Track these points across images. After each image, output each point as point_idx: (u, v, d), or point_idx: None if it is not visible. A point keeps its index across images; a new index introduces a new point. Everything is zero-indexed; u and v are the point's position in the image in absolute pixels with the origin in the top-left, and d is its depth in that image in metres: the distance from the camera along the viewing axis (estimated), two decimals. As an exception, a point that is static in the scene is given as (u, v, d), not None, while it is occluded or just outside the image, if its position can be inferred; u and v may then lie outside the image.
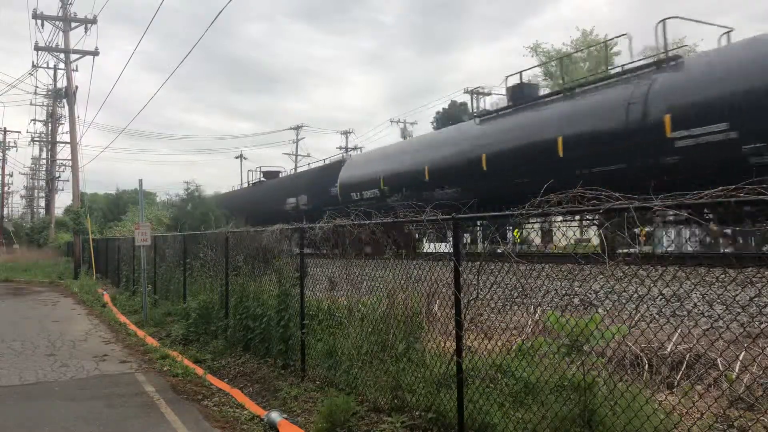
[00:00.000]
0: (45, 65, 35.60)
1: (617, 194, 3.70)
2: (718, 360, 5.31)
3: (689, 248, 13.71)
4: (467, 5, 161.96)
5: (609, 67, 36.04)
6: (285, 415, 5.81)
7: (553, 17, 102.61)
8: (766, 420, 4.48)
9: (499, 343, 5.15)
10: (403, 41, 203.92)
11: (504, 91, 19.36)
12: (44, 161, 56.46)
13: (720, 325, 6.09)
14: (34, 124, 52.23)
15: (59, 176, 48.02)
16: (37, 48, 29.77)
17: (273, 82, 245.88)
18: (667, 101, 13.13)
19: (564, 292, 7.50)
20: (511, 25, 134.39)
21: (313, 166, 33.03)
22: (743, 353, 4.98)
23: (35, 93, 45.51)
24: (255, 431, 5.76)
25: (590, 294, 7.49)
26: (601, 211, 3.65)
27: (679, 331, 5.46)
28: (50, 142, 47.40)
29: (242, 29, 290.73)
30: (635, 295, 5.63)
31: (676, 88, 13.19)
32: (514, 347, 5.43)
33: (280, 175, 38.20)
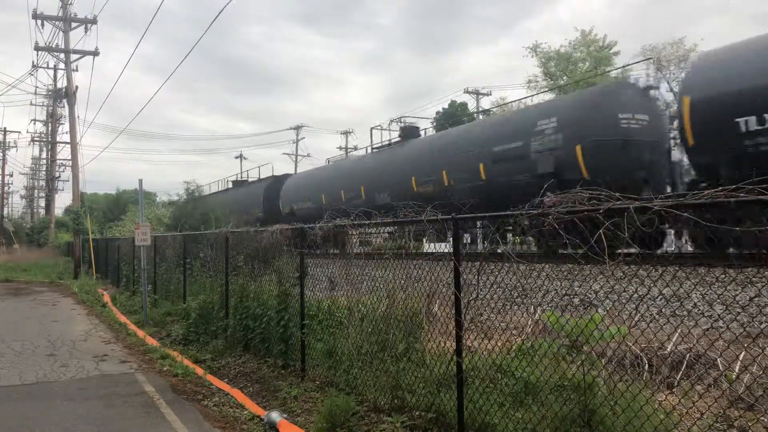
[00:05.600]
0: (45, 65, 35.72)
1: (617, 194, 3.70)
2: (718, 360, 5.31)
3: (689, 248, 13.72)
4: (464, 8, 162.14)
5: (608, 68, 36.08)
6: (285, 415, 5.81)
7: (549, 19, 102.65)
8: (766, 420, 4.48)
9: (499, 343, 5.15)
10: (402, 43, 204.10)
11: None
12: (44, 161, 56.47)
13: (720, 325, 6.09)
14: (34, 124, 52.28)
15: (59, 176, 48.06)
16: (37, 48, 29.79)
17: (272, 84, 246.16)
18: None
19: (564, 292, 7.49)
20: (507, 28, 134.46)
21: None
22: (743, 353, 4.98)
23: (35, 93, 45.57)
24: (255, 431, 5.76)
25: (590, 294, 7.48)
26: (601, 211, 3.65)
27: (679, 331, 5.46)
28: (50, 142, 47.41)
29: (242, 31, 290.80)
30: (635, 295, 5.63)
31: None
32: (514, 347, 5.44)
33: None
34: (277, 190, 34.19)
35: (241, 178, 45.36)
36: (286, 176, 37.17)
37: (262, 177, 38.67)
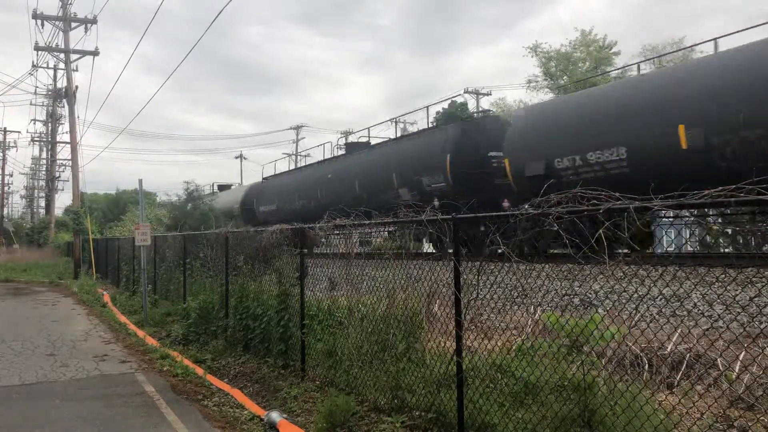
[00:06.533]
0: (45, 65, 35.67)
1: (617, 194, 3.70)
2: (718, 360, 5.31)
3: (689, 248, 13.70)
4: (464, 8, 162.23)
5: (608, 69, 36.09)
6: (285, 415, 5.81)
7: (550, 19, 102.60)
8: (766, 420, 4.48)
9: (499, 343, 5.15)
10: (401, 44, 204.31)
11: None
12: (44, 161, 56.43)
13: (720, 325, 6.09)
14: (34, 124, 52.16)
15: (59, 176, 48.04)
16: (37, 48, 29.79)
17: (272, 84, 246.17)
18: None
19: (564, 292, 7.49)
20: (507, 28, 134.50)
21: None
22: (743, 353, 4.98)
23: (35, 93, 45.46)
24: (255, 431, 5.76)
25: (590, 294, 7.49)
26: (601, 211, 3.65)
27: (679, 331, 5.46)
28: (50, 142, 47.40)
29: (242, 32, 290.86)
30: (635, 295, 5.63)
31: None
32: (514, 347, 5.43)
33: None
34: (481, 139, 17.74)
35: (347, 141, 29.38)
36: (493, 117, 20.17)
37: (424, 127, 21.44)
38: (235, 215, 32.70)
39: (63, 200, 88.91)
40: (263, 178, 34.62)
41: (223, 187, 43.51)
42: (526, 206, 4.26)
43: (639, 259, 4.11)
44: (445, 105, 22.99)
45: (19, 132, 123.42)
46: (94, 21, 28.38)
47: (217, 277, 10.70)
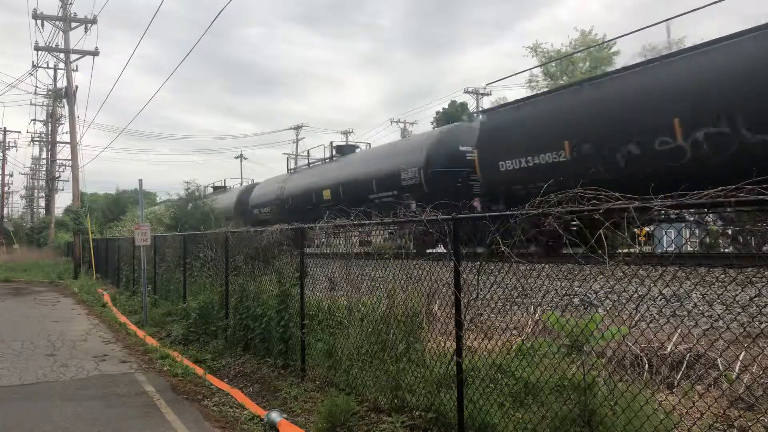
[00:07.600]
0: (45, 65, 35.68)
1: (617, 194, 3.70)
2: (718, 360, 5.31)
3: (689, 248, 13.67)
4: (463, 9, 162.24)
5: (609, 69, 36.06)
6: (285, 415, 5.81)
7: (548, 20, 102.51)
8: (766, 420, 4.47)
9: (499, 343, 5.15)
10: (401, 44, 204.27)
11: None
12: (44, 161, 56.44)
13: (720, 325, 6.09)
14: (34, 124, 52.26)
15: (59, 176, 48.01)
16: (37, 48, 29.79)
17: (272, 84, 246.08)
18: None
19: (564, 292, 7.49)
20: (506, 29, 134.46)
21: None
22: (743, 353, 4.98)
23: (35, 93, 45.53)
24: (255, 431, 5.76)
25: (590, 294, 7.49)
26: (601, 211, 3.65)
27: (679, 331, 5.46)
28: (50, 142, 47.38)
29: (242, 33, 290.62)
30: (635, 295, 5.63)
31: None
32: (514, 347, 5.43)
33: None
34: None
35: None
36: None
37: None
38: (407, 184, 19.20)
39: (63, 200, 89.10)
40: (483, 111, 20.17)
41: (346, 148, 27.60)
42: (526, 206, 4.25)
43: (639, 259, 4.10)
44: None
45: (19, 132, 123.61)
46: (94, 21, 28.39)
47: (217, 277, 10.70)
